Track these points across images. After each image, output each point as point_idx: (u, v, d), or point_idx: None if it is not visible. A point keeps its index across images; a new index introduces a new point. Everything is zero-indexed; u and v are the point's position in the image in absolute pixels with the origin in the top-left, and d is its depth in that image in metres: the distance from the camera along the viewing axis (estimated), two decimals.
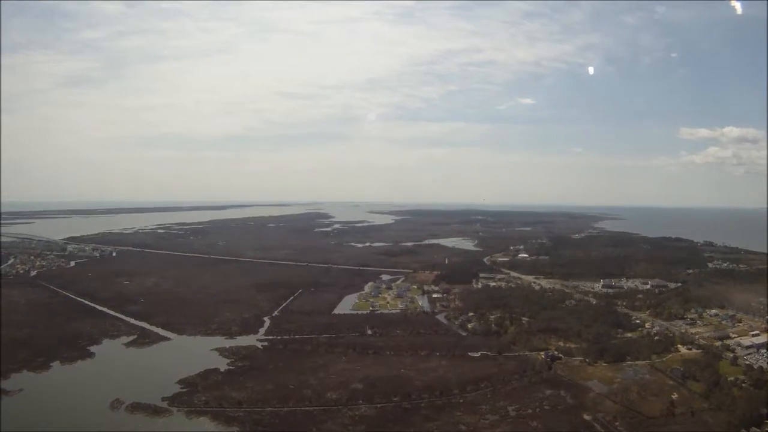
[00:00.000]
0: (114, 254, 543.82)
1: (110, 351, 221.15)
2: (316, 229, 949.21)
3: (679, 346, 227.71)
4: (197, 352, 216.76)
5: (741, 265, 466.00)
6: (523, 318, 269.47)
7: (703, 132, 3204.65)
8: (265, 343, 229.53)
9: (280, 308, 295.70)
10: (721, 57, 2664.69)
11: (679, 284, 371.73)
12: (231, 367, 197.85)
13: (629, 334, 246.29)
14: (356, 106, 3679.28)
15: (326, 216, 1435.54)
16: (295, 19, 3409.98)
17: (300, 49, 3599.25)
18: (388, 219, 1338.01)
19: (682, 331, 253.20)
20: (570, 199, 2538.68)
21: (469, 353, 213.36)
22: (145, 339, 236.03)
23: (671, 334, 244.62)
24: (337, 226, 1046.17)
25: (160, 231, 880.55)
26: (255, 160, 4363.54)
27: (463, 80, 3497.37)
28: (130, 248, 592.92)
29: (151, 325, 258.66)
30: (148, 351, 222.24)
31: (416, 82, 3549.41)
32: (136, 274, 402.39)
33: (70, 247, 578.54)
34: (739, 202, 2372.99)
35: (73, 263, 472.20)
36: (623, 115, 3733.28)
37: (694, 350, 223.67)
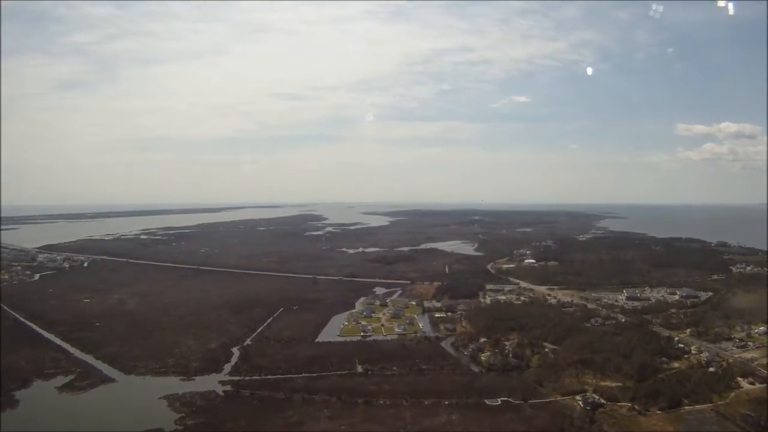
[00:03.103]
0: (85, 265, 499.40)
1: (38, 398, 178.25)
2: (306, 233, 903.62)
3: (739, 379, 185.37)
4: (142, 402, 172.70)
5: (767, 269, 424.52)
6: (546, 344, 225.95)
7: (700, 128, 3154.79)
8: (229, 388, 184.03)
9: (254, 334, 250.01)
10: (717, 52, 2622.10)
11: (710, 294, 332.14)
12: (179, 427, 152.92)
13: (676, 364, 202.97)
14: (350, 106, 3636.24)
15: (319, 218, 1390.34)
16: (287, 19, 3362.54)
17: (292, 49, 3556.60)
18: (383, 220, 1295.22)
19: (735, 356, 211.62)
20: (567, 198, 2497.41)
21: (486, 400, 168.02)
22: (84, 380, 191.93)
23: (724, 362, 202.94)
24: (329, 229, 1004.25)
25: (142, 237, 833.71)
26: (249, 161, 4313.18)
27: (457, 79, 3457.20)
28: (105, 257, 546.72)
29: (97, 359, 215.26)
30: (82, 399, 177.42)
31: (409, 81, 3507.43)
32: (100, 290, 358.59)
33: (40, 257, 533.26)
34: (736, 198, 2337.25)
35: (37, 276, 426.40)
36: (619, 112, 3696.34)
37: (757, 384, 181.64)
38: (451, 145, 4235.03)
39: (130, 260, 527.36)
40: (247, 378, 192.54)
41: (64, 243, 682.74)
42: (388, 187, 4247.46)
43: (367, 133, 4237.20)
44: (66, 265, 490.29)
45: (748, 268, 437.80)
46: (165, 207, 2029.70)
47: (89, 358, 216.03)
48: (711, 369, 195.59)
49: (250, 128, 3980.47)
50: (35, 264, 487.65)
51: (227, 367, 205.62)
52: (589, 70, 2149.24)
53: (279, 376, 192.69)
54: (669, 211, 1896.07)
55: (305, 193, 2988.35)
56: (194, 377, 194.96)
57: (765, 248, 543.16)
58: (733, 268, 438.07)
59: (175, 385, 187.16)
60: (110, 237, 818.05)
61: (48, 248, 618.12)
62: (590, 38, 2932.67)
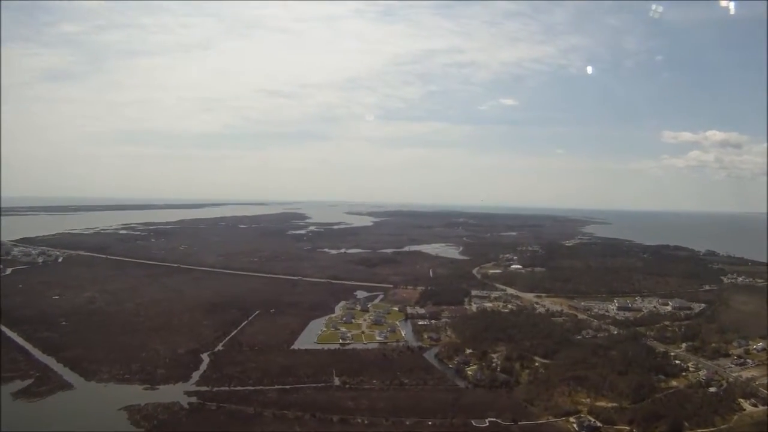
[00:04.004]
0: (60, 260, 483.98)
1: None
2: (289, 232, 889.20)
3: (741, 400, 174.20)
4: (100, 413, 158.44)
5: (758, 280, 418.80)
6: (536, 357, 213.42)
7: (686, 135, 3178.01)
8: (194, 399, 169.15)
9: (226, 339, 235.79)
10: (706, 60, 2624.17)
11: (703, 305, 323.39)
12: None
13: (674, 383, 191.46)
14: (337, 105, 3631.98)
15: (302, 217, 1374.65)
16: (277, 16, 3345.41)
17: (281, 46, 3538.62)
18: (367, 221, 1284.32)
19: (735, 375, 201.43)
20: (551, 202, 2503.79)
21: (473, 421, 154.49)
22: (41, 386, 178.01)
23: (724, 382, 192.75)
24: (312, 228, 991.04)
25: (122, 232, 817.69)
26: (235, 158, 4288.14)
27: (444, 80, 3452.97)
28: (81, 252, 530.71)
29: (58, 362, 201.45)
30: (37, 408, 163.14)
31: (397, 81, 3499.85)
32: (72, 287, 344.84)
33: (15, 251, 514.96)
34: (721, 206, 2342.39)
35: (9, 271, 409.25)
36: (606, 118, 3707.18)
37: (760, 406, 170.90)
38: (438, 147, 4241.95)
39: (106, 256, 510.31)
40: (215, 389, 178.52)
41: (42, 236, 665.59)
42: (373, 187, 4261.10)
43: (353, 133, 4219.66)
44: (40, 259, 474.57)
45: (740, 278, 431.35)
46: (148, 202, 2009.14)
47: (51, 361, 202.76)
48: (712, 389, 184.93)
49: (236, 124, 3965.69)
50: (9, 258, 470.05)
51: (195, 376, 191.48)
52: (589, 69, 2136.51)
53: (249, 388, 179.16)
54: (654, 218, 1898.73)
55: (290, 191, 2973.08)
56: (159, 386, 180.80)
57: (753, 258, 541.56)
58: (725, 279, 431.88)
59: (137, 394, 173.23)
60: (89, 231, 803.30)
61: (25, 241, 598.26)
62: (579, 43, 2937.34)
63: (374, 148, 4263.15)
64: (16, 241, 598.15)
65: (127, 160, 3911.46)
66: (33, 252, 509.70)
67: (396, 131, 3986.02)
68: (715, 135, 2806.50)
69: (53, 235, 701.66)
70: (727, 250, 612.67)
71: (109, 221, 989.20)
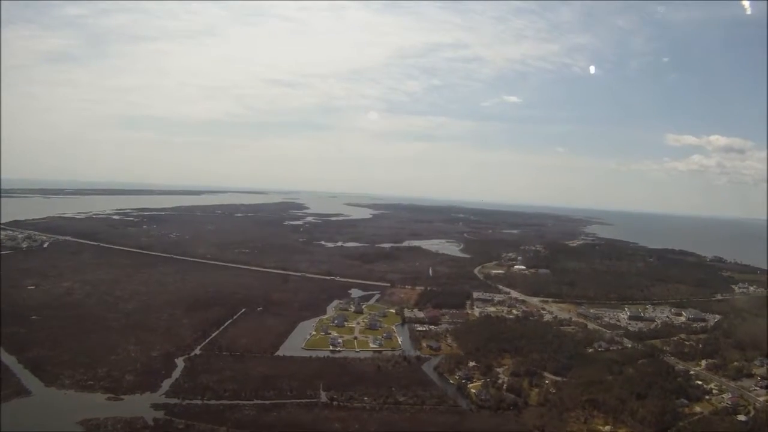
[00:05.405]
0: (45, 245, 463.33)
1: None
2: (285, 222, 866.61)
3: None
4: (53, 427, 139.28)
5: None
6: (546, 374, 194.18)
7: (689, 139, 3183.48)
8: (161, 414, 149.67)
9: (205, 341, 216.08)
10: (711, 64, 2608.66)
11: (718, 317, 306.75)
12: None
13: (698, 408, 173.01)
14: (340, 96, 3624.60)
15: (300, 207, 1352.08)
16: (282, 4, 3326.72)
17: (285, 35, 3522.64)
18: (366, 213, 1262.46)
19: (761, 399, 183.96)
20: (551, 200, 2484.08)
21: None
22: None
23: (751, 408, 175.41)
24: (309, 219, 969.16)
25: (115, 217, 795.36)
26: (236, 145, 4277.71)
27: (448, 75, 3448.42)
28: (69, 238, 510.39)
29: (19, 362, 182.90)
30: None
31: (401, 74, 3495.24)
32: (51, 276, 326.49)
33: (1, 234, 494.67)
34: (720, 211, 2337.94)
35: None
36: (609, 118, 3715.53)
37: None
38: (439, 141, 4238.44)
39: (94, 242, 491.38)
40: (185, 401, 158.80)
41: (32, 220, 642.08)
42: (374, 179, 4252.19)
43: (355, 124, 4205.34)
44: (24, 244, 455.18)
45: (751, 288, 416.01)
46: (147, 187, 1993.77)
47: (12, 361, 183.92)
48: (740, 417, 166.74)
49: (238, 112, 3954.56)
50: None
51: (166, 385, 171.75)
52: (594, 69, 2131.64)
53: (225, 402, 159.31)
54: (654, 220, 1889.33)
55: (290, 181, 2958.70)
56: (124, 396, 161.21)
57: (761, 266, 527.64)
58: (735, 288, 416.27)
59: (99, 405, 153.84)
60: (82, 215, 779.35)
61: (14, 225, 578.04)
62: (585, 43, 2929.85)
63: (376, 140, 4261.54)
64: (5, 224, 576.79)
65: (127, 145, 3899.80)
66: (18, 236, 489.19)
67: (398, 124, 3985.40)
68: (718, 140, 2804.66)
69: (43, 218, 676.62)
70: (732, 256, 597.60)
71: (104, 206, 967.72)
